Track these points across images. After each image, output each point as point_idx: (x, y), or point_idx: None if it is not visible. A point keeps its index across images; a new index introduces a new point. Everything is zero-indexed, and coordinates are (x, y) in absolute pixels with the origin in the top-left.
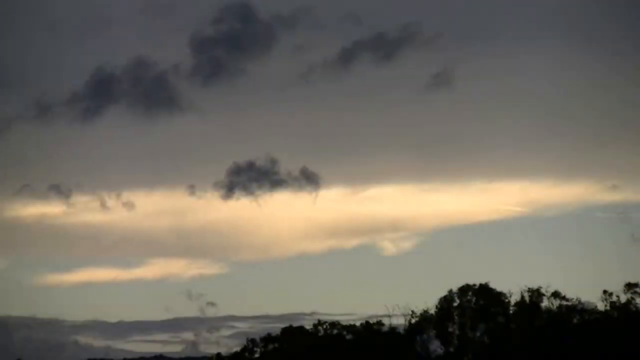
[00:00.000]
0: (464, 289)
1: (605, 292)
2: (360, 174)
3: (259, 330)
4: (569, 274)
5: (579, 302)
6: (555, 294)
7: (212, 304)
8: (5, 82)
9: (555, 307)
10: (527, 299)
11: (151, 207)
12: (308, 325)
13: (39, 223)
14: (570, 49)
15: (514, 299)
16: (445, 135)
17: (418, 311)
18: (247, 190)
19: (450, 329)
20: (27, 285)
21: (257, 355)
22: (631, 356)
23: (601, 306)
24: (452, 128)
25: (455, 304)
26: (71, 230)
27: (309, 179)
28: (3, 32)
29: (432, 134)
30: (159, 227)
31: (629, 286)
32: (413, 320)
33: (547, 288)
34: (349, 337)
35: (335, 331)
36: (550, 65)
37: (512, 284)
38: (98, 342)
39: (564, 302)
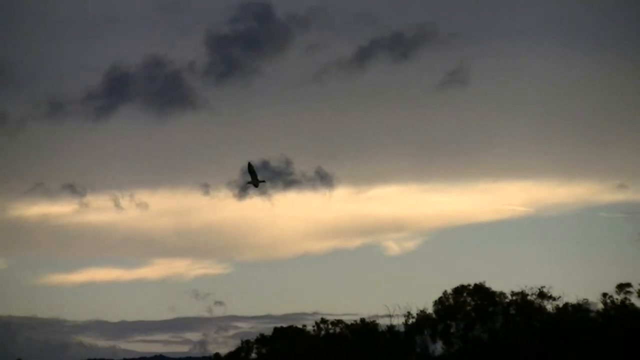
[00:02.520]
0: (459, 290)
1: (604, 295)
2: (364, 174)
3: (260, 330)
4: (573, 275)
5: (584, 303)
6: (542, 294)
7: (215, 304)
8: (19, 81)
9: (553, 308)
10: (527, 299)
11: (161, 206)
12: (310, 325)
13: (42, 223)
14: (575, 49)
15: (513, 299)
16: (449, 136)
17: (414, 311)
18: (259, 190)
19: (448, 330)
20: (28, 285)
21: (253, 356)
22: (630, 357)
23: (602, 307)
24: (455, 128)
25: (449, 305)
26: (75, 230)
27: (321, 179)
28: (16, 30)
29: (436, 134)
30: (164, 227)
31: (621, 286)
32: (410, 321)
33: (549, 288)
34: (347, 336)
35: (332, 330)
36: (555, 64)
37: (515, 284)
38: (99, 342)
39: (562, 303)
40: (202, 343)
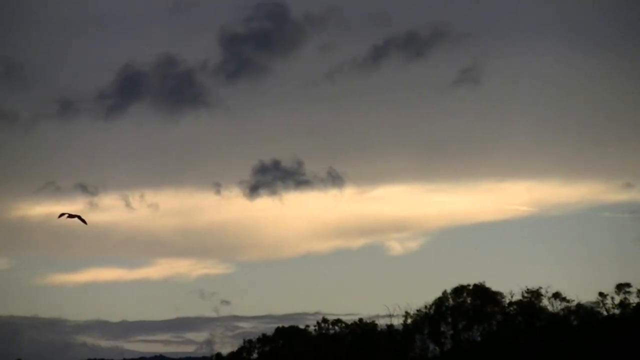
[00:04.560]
0: (459, 290)
1: (601, 294)
2: (368, 174)
3: (262, 330)
4: (576, 275)
5: (595, 305)
6: (556, 295)
7: (218, 304)
8: (30, 80)
9: (557, 308)
10: (526, 299)
11: (168, 206)
12: (311, 325)
13: (45, 223)
14: (578, 49)
15: (514, 299)
16: (453, 136)
17: (412, 311)
18: (264, 190)
19: (444, 329)
20: (31, 285)
21: (255, 356)
22: (629, 357)
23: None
24: (459, 128)
25: (448, 304)
26: (78, 230)
27: (332, 180)
28: (31, 30)
29: (440, 134)
30: (169, 227)
31: (620, 287)
32: (409, 320)
33: (548, 288)
34: (346, 335)
35: (333, 330)
36: (560, 65)
37: (518, 284)
38: (100, 342)
39: (565, 304)
40: (205, 343)
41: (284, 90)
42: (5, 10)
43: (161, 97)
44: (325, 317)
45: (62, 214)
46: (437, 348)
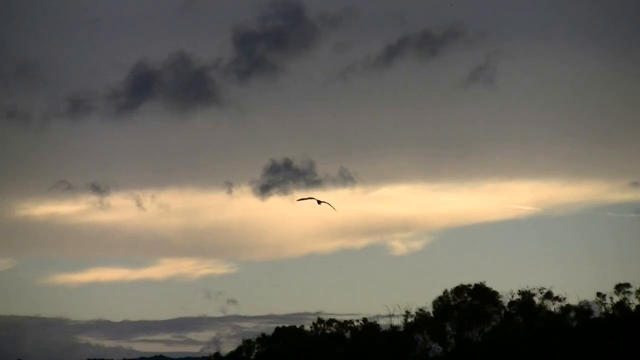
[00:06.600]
0: (459, 290)
1: (599, 294)
2: (378, 174)
3: (264, 330)
4: (580, 275)
5: (584, 304)
6: (548, 295)
7: (221, 303)
8: (44, 79)
9: (556, 308)
10: (526, 299)
11: (175, 205)
12: (307, 326)
13: (48, 223)
14: (584, 49)
15: (514, 299)
16: (458, 136)
17: (414, 311)
18: (275, 190)
19: (447, 329)
20: (34, 285)
21: (252, 357)
22: (628, 358)
23: (602, 308)
24: (465, 129)
25: (449, 304)
26: (81, 230)
27: (343, 180)
28: (44, 29)
29: (447, 134)
30: (173, 226)
31: (619, 287)
32: (410, 320)
33: (551, 288)
34: (347, 335)
35: (330, 330)
36: (565, 65)
37: (523, 284)
38: (102, 342)
39: (563, 304)
40: (207, 343)
41: (297, 89)
42: (15, 9)
43: (173, 96)
44: (322, 317)
45: (305, 199)
46: (439, 348)
